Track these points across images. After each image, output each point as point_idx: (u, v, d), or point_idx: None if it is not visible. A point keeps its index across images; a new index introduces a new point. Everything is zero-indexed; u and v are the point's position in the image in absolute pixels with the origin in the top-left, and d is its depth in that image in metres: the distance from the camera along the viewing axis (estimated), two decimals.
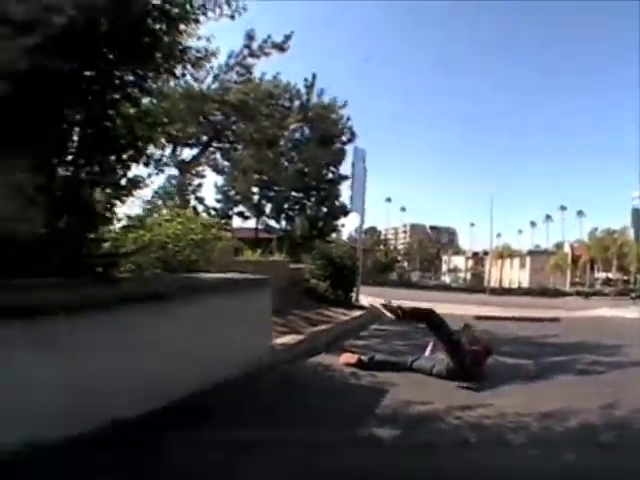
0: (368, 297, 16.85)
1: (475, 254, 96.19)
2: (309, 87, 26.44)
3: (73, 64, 4.66)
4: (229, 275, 6.48)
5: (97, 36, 4.79)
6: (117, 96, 5.29)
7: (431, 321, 6.51)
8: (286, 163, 33.28)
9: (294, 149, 33.40)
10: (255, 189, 37.15)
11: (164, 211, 7.70)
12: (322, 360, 6.88)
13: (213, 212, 33.99)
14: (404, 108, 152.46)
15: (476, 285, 66.69)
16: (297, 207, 38.17)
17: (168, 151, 18.23)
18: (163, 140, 7.00)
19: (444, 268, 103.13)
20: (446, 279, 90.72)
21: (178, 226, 6.77)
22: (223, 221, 16.05)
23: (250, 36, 18.06)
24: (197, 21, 6.09)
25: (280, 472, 3.37)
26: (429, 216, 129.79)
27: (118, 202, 5.45)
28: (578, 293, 46.87)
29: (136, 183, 5.58)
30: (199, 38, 7.21)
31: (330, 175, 36.55)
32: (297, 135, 32.24)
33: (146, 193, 6.46)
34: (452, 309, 15.78)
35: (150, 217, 6.83)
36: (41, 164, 4.72)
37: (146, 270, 5.36)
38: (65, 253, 4.65)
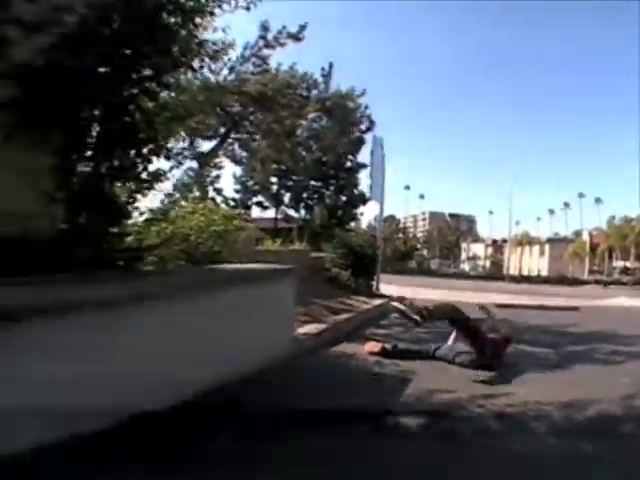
0: (389, 285, 16.87)
1: (494, 242, 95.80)
2: (326, 76, 26.43)
3: (87, 61, 4.70)
4: (253, 265, 6.50)
5: (111, 32, 4.82)
6: (135, 91, 5.32)
7: (455, 319, 6.46)
8: (304, 152, 33.29)
9: (312, 138, 33.38)
10: (274, 179, 37.19)
11: (185, 203, 7.73)
12: (345, 349, 6.89)
13: (232, 203, 34.03)
14: (423, 96, 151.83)
15: (495, 273, 66.43)
16: (316, 196, 38.11)
17: (186, 144, 18.38)
18: (183, 133, 7.03)
19: (463, 256, 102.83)
20: (465, 267, 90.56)
21: (200, 218, 6.80)
22: (242, 211, 16.05)
23: (265, 27, 18.10)
24: (212, 14, 6.10)
25: (307, 458, 3.41)
26: (448, 204, 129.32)
27: (140, 196, 5.49)
28: (596, 282, 46.53)
29: (157, 176, 5.62)
30: (215, 30, 7.23)
31: (348, 163, 36.48)
32: (315, 124, 32.18)
33: (166, 186, 6.49)
34: (472, 297, 15.79)
35: (173, 210, 6.86)
36: (61, 160, 4.78)
37: (169, 262, 5.39)
38: (87, 248, 4.70)
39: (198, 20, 5.88)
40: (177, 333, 4.23)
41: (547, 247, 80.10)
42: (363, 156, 34.57)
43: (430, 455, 3.66)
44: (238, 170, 36.94)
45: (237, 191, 38.57)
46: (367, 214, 74.56)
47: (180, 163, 16.86)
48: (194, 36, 5.91)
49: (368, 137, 29.70)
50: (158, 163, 5.60)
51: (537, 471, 3.47)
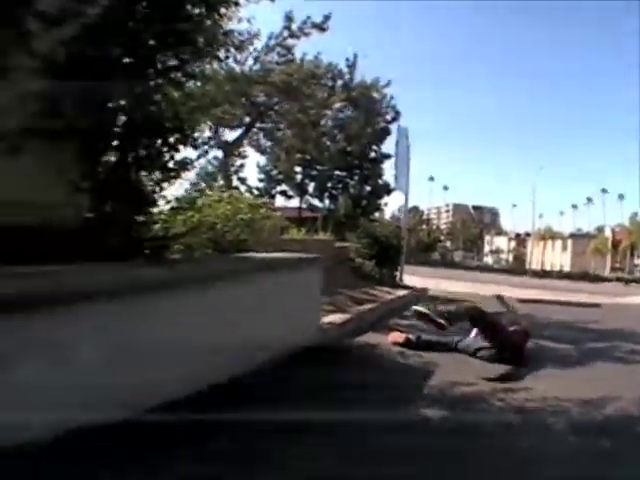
0: (412, 276, 16.86)
1: (517, 235, 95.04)
2: (351, 67, 26.40)
3: (111, 52, 4.74)
4: (280, 254, 6.56)
5: (134, 23, 4.85)
6: (161, 81, 5.35)
7: (476, 318, 6.43)
8: (329, 142, 33.32)
9: (337, 128, 33.39)
10: (298, 168, 37.24)
11: (211, 192, 7.76)
12: (369, 339, 6.92)
13: (256, 192, 34.17)
14: (447, 87, 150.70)
15: (518, 267, 65.98)
16: (340, 186, 38.12)
17: (211, 133, 18.47)
18: (208, 122, 7.06)
19: (486, 249, 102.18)
20: (488, 260, 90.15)
21: (227, 206, 6.83)
22: (268, 200, 16.12)
23: (289, 17, 18.10)
24: (237, 4, 6.10)
25: (329, 450, 3.43)
26: (472, 196, 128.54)
27: (166, 184, 5.53)
28: (617, 279, 45.86)
29: (184, 165, 5.65)
30: (240, 21, 7.24)
31: (373, 154, 36.43)
32: (340, 114, 32.17)
33: (190, 175, 6.52)
34: (495, 291, 15.73)
35: (199, 198, 6.89)
36: (87, 149, 4.83)
37: (196, 251, 5.44)
38: (114, 236, 4.75)
39: (223, 10, 5.89)
40: (211, 319, 4.35)
41: (569, 242, 79.36)
42: (388, 146, 34.56)
43: (449, 447, 3.69)
44: (262, 159, 37.09)
45: (261, 180, 38.73)
46: (391, 205, 74.23)
47: (206, 152, 16.98)
48: (219, 26, 5.92)
49: (393, 127, 29.65)
50: (185, 152, 5.63)
51: (553, 465, 3.49)
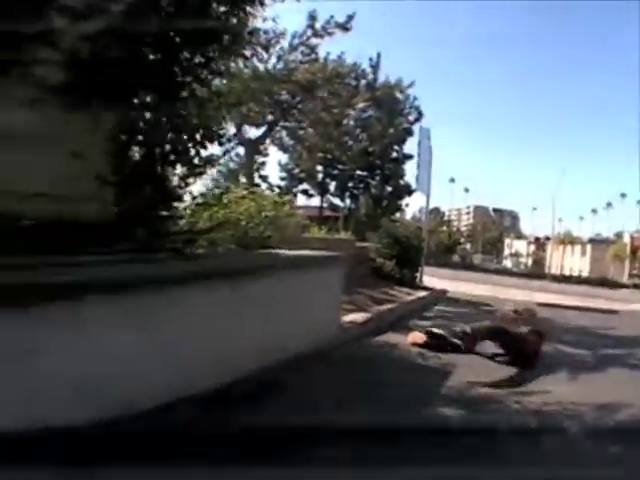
0: (432, 278, 16.83)
1: (537, 239, 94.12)
2: (374, 67, 26.44)
3: (136, 48, 4.80)
4: (304, 252, 6.60)
5: (160, 20, 4.90)
6: (188, 78, 5.41)
7: (497, 335, 6.40)
8: (351, 142, 33.34)
9: (359, 128, 33.41)
10: (320, 167, 37.27)
11: (236, 189, 7.81)
12: (388, 339, 6.94)
13: (277, 190, 34.29)
14: (470, 89, 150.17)
15: (537, 271, 65.46)
16: (361, 185, 38.12)
17: (234, 130, 18.56)
18: (233, 120, 7.11)
19: (506, 252, 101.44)
20: (507, 263, 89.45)
21: (251, 203, 6.88)
22: (291, 198, 16.20)
23: (312, 16, 18.15)
24: (262, 3, 6.15)
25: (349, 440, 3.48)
26: (492, 198, 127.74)
27: (192, 180, 5.59)
28: (635, 286, 45.29)
29: (210, 161, 5.71)
30: (265, 20, 7.29)
31: (395, 154, 36.38)
32: (363, 114, 32.19)
33: (211, 172, 6.58)
34: (515, 295, 15.68)
35: (226, 194, 6.95)
36: (113, 144, 4.90)
37: (220, 247, 5.49)
38: (140, 230, 4.81)
39: (248, 9, 5.94)
40: (237, 313, 4.45)
41: (589, 247, 78.37)
42: (410, 147, 34.50)
43: (466, 447, 3.73)
44: (284, 158, 37.18)
45: (282, 178, 38.81)
46: (412, 205, 73.98)
47: (232, 149, 17.09)
48: (245, 24, 5.97)
49: (415, 128, 29.62)
50: (211, 148, 5.69)
51: (567, 467, 3.51)
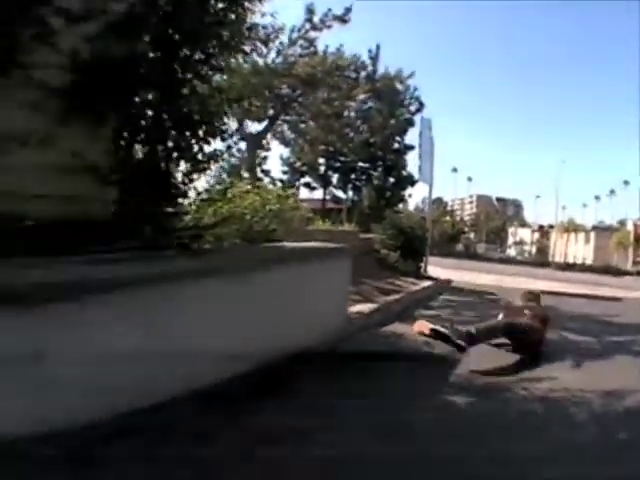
0: (436, 268, 16.86)
1: (540, 227, 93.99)
2: (374, 58, 26.41)
3: (136, 47, 4.83)
4: (310, 244, 6.64)
5: (159, 19, 4.93)
6: (189, 75, 5.44)
7: (510, 332, 6.38)
8: (352, 134, 33.33)
9: (360, 119, 33.39)
10: (321, 160, 37.24)
11: (240, 183, 7.85)
12: (395, 329, 6.96)
13: (279, 184, 34.24)
14: (471, 79, 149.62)
15: (541, 259, 65.39)
16: (364, 177, 38.08)
17: (236, 125, 18.58)
18: (234, 115, 7.13)
19: (510, 240, 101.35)
20: (511, 252, 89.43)
21: (255, 197, 6.92)
22: (294, 191, 16.22)
23: (310, 10, 18.15)
24: None
25: (362, 429, 3.55)
26: (495, 187, 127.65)
27: (195, 176, 5.63)
28: (639, 273, 45.26)
29: (213, 157, 5.74)
30: (263, 15, 7.32)
31: (396, 145, 36.35)
32: (364, 106, 32.16)
33: (215, 167, 6.61)
34: (519, 283, 15.72)
35: (230, 189, 6.99)
36: (116, 143, 4.94)
37: (226, 241, 5.52)
38: (146, 227, 4.84)
39: (247, 4, 5.97)
40: (248, 305, 4.52)
41: (592, 235, 78.27)
42: (411, 138, 34.49)
43: (475, 432, 3.78)
44: (285, 152, 37.18)
45: (284, 172, 38.80)
46: (415, 196, 73.98)
47: (235, 144, 17.13)
48: (243, 20, 6.00)
49: (417, 119, 29.59)
50: (214, 144, 5.72)
51: (573, 452, 3.55)
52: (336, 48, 21.33)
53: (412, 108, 33.77)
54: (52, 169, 4.29)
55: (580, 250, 78.65)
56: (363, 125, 33.98)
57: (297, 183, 38.42)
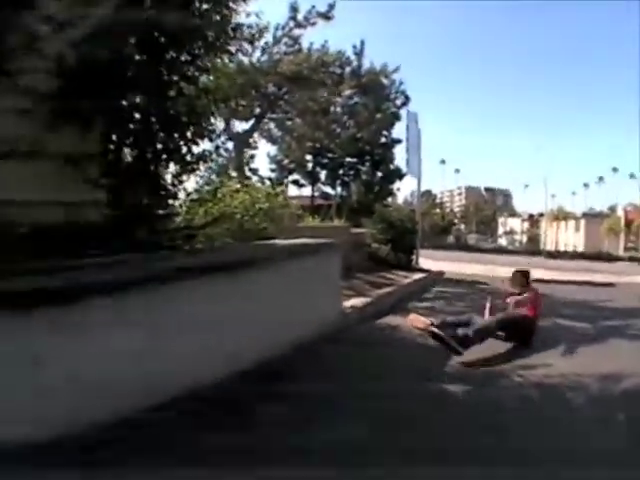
0: (427, 260, 16.91)
1: (530, 216, 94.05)
2: (358, 54, 26.41)
3: (122, 50, 4.84)
4: (300, 240, 6.65)
5: (144, 22, 4.94)
6: (175, 77, 5.46)
7: (503, 326, 6.40)
8: (339, 129, 33.28)
9: (347, 115, 33.34)
10: (309, 157, 37.12)
11: (230, 182, 7.88)
12: (389, 321, 7.03)
13: (268, 182, 34.15)
14: (458, 71, 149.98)
15: (532, 248, 65.51)
16: (352, 172, 37.92)
17: (223, 125, 18.55)
18: (222, 115, 7.14)
19: (500, 230, 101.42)
20: (502, 242, 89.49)
21: (245, 197, 6.95)
22: (283, 189, 16.22)
23: (294, 8, 18.12)
24: None
25: (361, 420, 3.59)
26: (484, 178, 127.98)
27: (185, 177, 5.65)
28: (631, 258, 45.38)
29: (203, 158, 5.76)
30: (248, 15, 7.33)
31: (383, 139, 36.28)
32: (350, 101, 32.10)
33: (203, 168, 6.63)
34: (511, 272, 15.74)
35: (220, 189, 7.02)
36: (105, 147, 4.96)
37: (217, 241, 5.55)
38: (139, 230, 4.87)
39: (231, 5, 5.99)
40: (236, 305, 4.50)
41: (582, 222, 78.29)
42: (398, 131, 34.43)
43: (474, 418, 3.85)
44: (272, 150, 37.04)
45: (272, 170, 38.59)
46: (403, 189, 74.02)
47: (223, 144, 17.11)
48: (228, 21, 6.01)
49: (403, 113, 29.59)
50: (203, 144, 5.75)
51: (568, 434, 3.62)
52: (321, 45, 21.35)
53: (398, 102, 33.70)
54: (41, 175, 4.31)
55: (571, 238, 78.67)
56: (350, 120, 33.85)
57: (285, 181, 38.16)
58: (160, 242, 4.73)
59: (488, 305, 6.70)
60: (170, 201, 5.65)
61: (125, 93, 5.09)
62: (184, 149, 5.53)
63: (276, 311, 4.93)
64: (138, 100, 5.29)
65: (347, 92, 25.74)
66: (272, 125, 26.24)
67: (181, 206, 5.88)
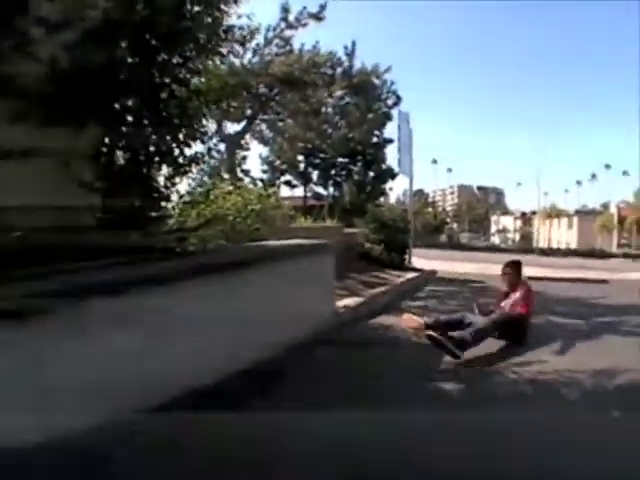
0: (420, 259, 16.95)
1: (523, 214, 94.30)
2: (350, 55, 26.45)
3: (114, 53, 4.85)
4: (293, 241, 6.70)
5: (136, 24, 4.96)
6: (167, 79, 5.47)
7: (497, 327, 6.42)
8: (331, 130, 33.31)
9: (339, 115, 33.37)
10: (301, 157, 37.12)
11: (222, 184, 7.90)
12: (383, 321, 7.06)
13: (260, 183, 34.12)
14: (449, 71, 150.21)
15: (525, 246, 65.66)
16: (344, 173, 37.92)
17: (215, 127, 18.54)
18: (214, 117, 7.15)
19: (493, 229, 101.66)
20: (495, 240, 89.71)
21: (237, 198, 6.97)
22: (275, 190, 16.24)
23: (285, 9, 18.16)
24: (236, 1, 6.22)
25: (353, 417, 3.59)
26: (476, 176, 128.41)
27: (178, 179, 5.66)
28: (624, 255, 45.53)
29: (195, 160, 5.77)
30: (239, 17, 7.35)
31: (375, 139, 36.31)
32: (342, 101, 32.12)
33: (196, 170, 6.65)
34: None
35: (212, 191, 7.04)
36: (98, 150, 4.97)
37: (210, 242, 5.56)
38: (133, 233, 4.87)
39: (223, 7, 6.00)
40: (230, 307, 4.54)
41: (575, 220, 78.55)
42: (390, 131, 34.47)
43: (467, 415, 3.86)
44: (264, 151, 37.03)
45: (264, 171, 38.56)
46: (396, 189, 74.10)
47: (215, 145, 17.13)
48: (219, 23, 6.03)
49: (394, 112, 29.64)
50: (195, 147, 5.76)
51: (563, 432, 3.63)
52: (312, 45, 21.38)
53: (389, 102, 33.77)
54: (35, 180, 4.31)
55: (563, 235, 78.88)
56: (341, 121, 33.86)
57: (277, 182, 38.08)
58: (153, 245, 4.72)
59: (477, 310, 6.73)
60: (163, 203, 5.65)
61: (118, 96, 5.09)
62: (176, 151, 5.54)
63: (270, 311, 4.94)
64: (130, 103, 5.29)
65: (338, 92, 25.77)
66: (264, 126, 26.30)
67: (174, 208, 5.88)
